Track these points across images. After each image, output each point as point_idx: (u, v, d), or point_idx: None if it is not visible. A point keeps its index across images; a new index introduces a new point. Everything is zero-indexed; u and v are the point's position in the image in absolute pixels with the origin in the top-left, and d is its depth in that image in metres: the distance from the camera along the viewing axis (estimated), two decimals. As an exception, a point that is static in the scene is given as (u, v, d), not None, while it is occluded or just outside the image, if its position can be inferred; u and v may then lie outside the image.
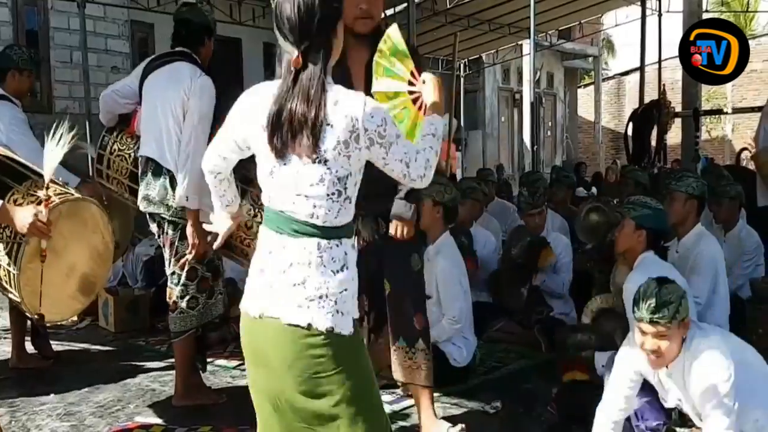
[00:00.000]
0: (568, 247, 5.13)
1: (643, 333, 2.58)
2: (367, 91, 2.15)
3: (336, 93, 1.88)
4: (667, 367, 2.67)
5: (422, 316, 3.21)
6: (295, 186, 1.89)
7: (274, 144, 1.89)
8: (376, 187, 2.23)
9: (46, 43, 8.30)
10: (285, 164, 1.90)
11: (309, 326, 1.87)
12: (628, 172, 6.90)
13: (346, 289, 1.92)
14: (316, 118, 1.83)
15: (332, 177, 1.87)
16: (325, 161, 1.86)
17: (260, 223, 3.62)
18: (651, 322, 2.54)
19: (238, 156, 2.13)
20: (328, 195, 1.88)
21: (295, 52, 1.87)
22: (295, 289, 1.89)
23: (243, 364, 4.41)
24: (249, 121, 1.97)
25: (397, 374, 3.24)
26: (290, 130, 1.86)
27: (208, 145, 2.31)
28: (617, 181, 9.89)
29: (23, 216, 2.89)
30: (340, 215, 1.91)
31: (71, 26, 8.38)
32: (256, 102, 1.96)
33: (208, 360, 4.19)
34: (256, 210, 3.64)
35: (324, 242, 1.90)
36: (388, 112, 1.93)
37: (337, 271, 1.91)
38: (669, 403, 2.82)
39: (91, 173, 4.64)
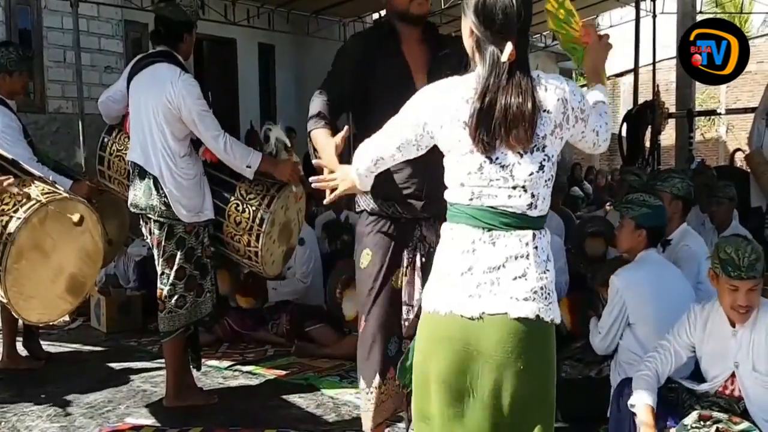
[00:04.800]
0: (562, 249, 5.11)
1: (736, 290, 2.60)
2: (430, 82, 2.07)
3: (539, 79, 1.89)
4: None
5: None
6: (512, 179, 1.86)
7: (480, 139, 1.85)
8: (440, 187, 2.07)
9: (40, 43, 8.24)
10: (496, 159, 1.86)
11: (537, 318, 1.86)
12: (622, 173, 6.88)
13: (552, 279, 1.92)
14: (534, 109, 1.82)
15: (550, 163, 1.88)
16: (544, 147, 1.86)
17: (248, 219, 3.66)
18: (748, 277, 2.57)
19: (411, 155, 2.06)
20: (546, 182, 1.89)
21: (510, 46, 1.84)
22: (516, 283, 1.86)
23: (235, 364, 4.48)
24: (445, 118, 1.91)
25: None
26: (504, 125, 1.82)
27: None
28: (608, 184, 9.81)
29: None
30: (547, 202, 1.92)
31: (65, 25, 8.32)
32: (455, 99, 1.90)
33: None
34: (244, 206, 3.64)
35: (537, 233, 1.90)
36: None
37: (546, 261, 1.91)
38: (717, 375, 2.76)
39: (84, 174, 4.62)
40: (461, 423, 1.93)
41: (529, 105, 1.82)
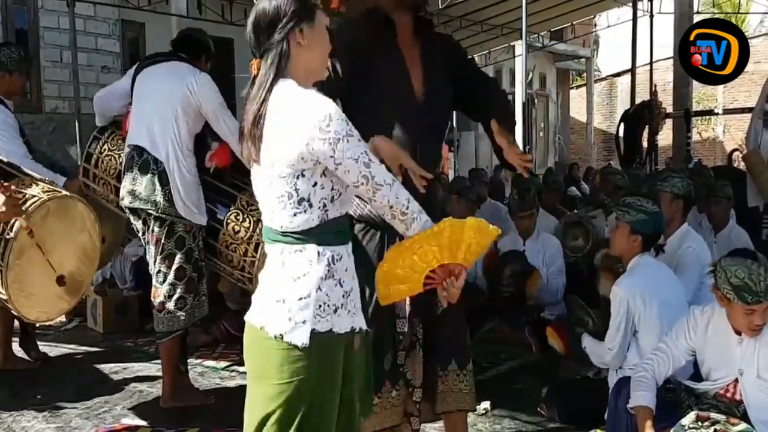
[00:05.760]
0: (560, 250, 5.11)
1: (752, 312, 2.56)
2: (426, 78, 2.17)
3: (285, 93, 1.84)
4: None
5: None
6: (259, 193, 1.93)
7: (244, 151, 1.92)
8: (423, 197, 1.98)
9: (36, 43, 8.24)
10: (256, 171, 1.93)
11: (261, 329, 1.86)
12: (606, 174, 6.84)
13: (305, 297, 1.83)
14: (255, 123, 1.84)
15: (281, 179, 1.83)
16: (272, 163, 1.83)
17: (248, 228, 3.66)
18: (767, 299, 2.53)
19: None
20: (278, 198, 1.85)
21: (253, 62, 1.93)
22: (263, 291, 1.92)
23: (232, 365, 4.48)
24: None
25: (443, 405, 2.77)
26: (248, 136, 1.87)
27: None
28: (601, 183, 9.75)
29: None
30: (297, 219, 1.84)
31: (61, 25, 8.32)
32: None
33: (197, 361, 4.17)
34: (245, 216, 3.63)
35: (286, 247, 1.86)
36: (339, 113, 1.81)
37: (296, 279, 1.84)
38: (718, 379, 2.75)
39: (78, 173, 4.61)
40: None
41: (251, 117, 1.85)
